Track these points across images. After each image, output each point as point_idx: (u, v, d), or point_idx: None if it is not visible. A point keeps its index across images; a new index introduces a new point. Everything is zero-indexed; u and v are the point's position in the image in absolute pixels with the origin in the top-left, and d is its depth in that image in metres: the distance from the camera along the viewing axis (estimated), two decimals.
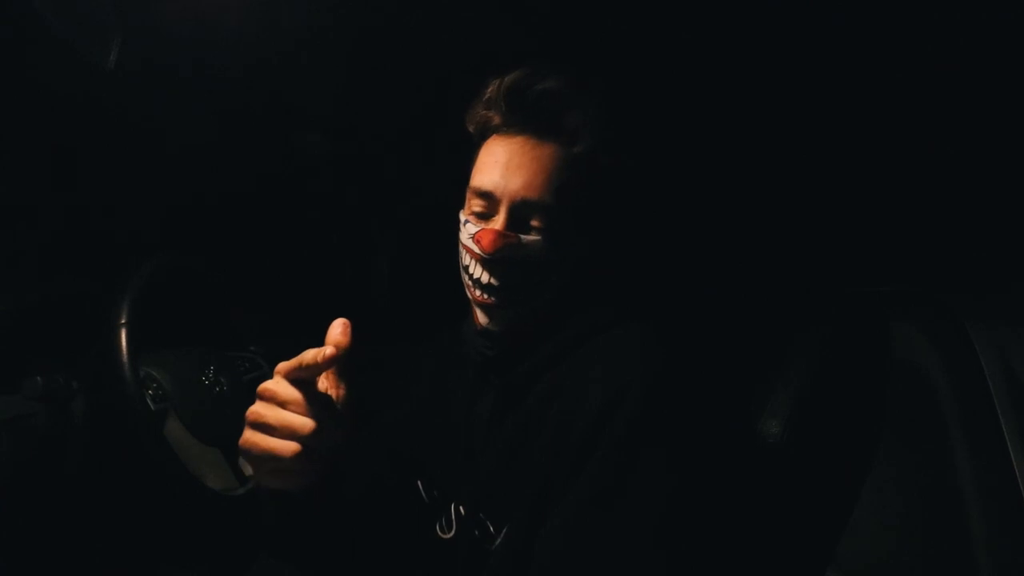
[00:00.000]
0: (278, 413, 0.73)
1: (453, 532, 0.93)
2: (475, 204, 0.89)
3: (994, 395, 1.07)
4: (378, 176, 1.58)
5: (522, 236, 0.86)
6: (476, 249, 0.87)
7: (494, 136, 0.89)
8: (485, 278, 0.87)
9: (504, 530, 0.86)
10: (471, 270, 0.89)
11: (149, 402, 1.03)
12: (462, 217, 0.90)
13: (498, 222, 0.86)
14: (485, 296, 0.89)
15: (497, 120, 0.88)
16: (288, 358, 0.75)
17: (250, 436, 0.75)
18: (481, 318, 0.91)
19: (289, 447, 0.72)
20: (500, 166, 0.86)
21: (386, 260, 1.64)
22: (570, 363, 0.87)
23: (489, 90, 0.89)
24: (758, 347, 1.18)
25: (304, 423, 0.72)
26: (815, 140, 1.38)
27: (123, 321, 0.97)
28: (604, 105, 0.88)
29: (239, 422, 1.16)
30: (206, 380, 1.12)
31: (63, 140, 1.15)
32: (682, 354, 0.86)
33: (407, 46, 1.26)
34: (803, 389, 1.09)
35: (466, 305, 0.95)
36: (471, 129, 0.92)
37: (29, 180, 1.13)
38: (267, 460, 0.73)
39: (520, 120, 0.87)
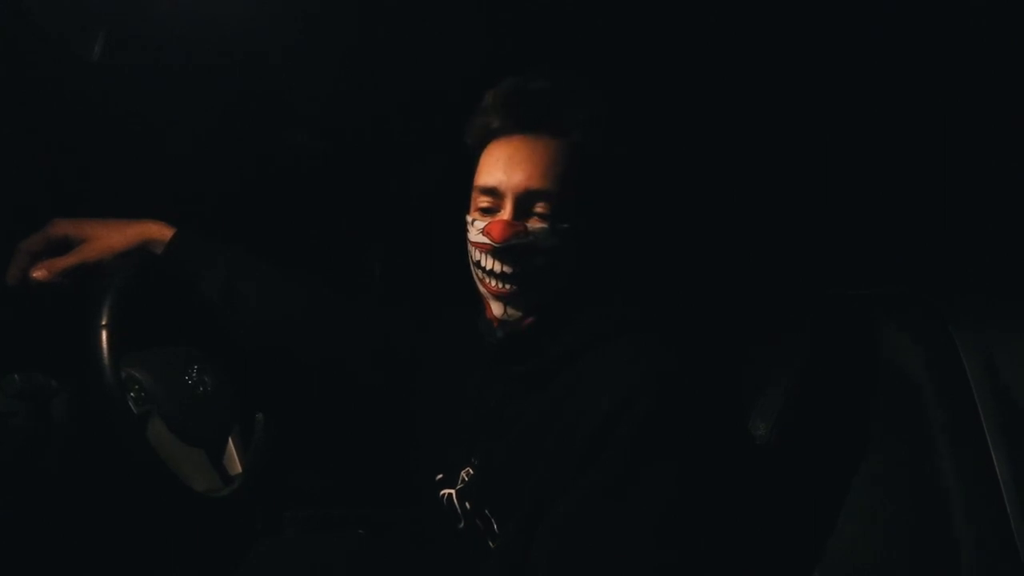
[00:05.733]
0: None
1: (462, 525, 0.98)
2: (481, 202, 0.95)
3: (976, 397, 1.08)
4: (372, 178, 1.58)
5: (528, 224, 0.92)
6: (487, 241, 0.92)
7: (494, 141, 0.96)
8: (498, 267, 0.93)
9: (507, 527, 0.91)
10: (483, 263, 0.95)
11: (132, 405, 1.01)
12: (469, 218, 0.95)
13: (505, 214, 0.93)
14: (500, 285, 0.94)
15: (496, 124, 0.95)
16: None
17: None
18: (496, 309, 0.96)
19: None
20: (502, 163, 0.93)
21: (379, 263, 1.64)
22: (581, 365, 0.91)
23: (486, 99, 0.96)
24: (749, 349, 1.18)
25: None
26: (803, 141, 1.38)
27: (104, 323, 0.95)
28: (595, 99, 0.95)
29: (223, 422, 1.16)
30: (189, 380, 1.10)
31: (56, 139, 1.13)
32: (688, 360, 0.91)
33: (402, 47, 1.26)
34: (790, 392, 1.09)
35: (472, 301, 1.01)
36: (470, 140, 0.97)
37: (23, 179, 1.11)
38: None
39: (516, 121, 0.94)
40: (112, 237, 1.04)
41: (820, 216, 1.44)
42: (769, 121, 1.38)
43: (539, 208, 0.92)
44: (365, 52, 1.32)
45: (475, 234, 0.95)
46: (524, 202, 0.92)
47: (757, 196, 1.44)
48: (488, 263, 0.94)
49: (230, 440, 1.17)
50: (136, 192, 1.22)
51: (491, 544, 0.93)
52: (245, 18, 1.17)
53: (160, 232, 1.08)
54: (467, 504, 0.97)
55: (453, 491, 1.00)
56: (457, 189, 1.03)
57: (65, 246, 1.03)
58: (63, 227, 1.04)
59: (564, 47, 1.27)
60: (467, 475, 0.99)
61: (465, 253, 0.99)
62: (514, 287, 0.94)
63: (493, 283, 0.94)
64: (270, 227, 1.44)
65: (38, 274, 1.00)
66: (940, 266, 1.33)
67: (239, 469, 1.16)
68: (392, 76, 1.37)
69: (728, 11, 1.19)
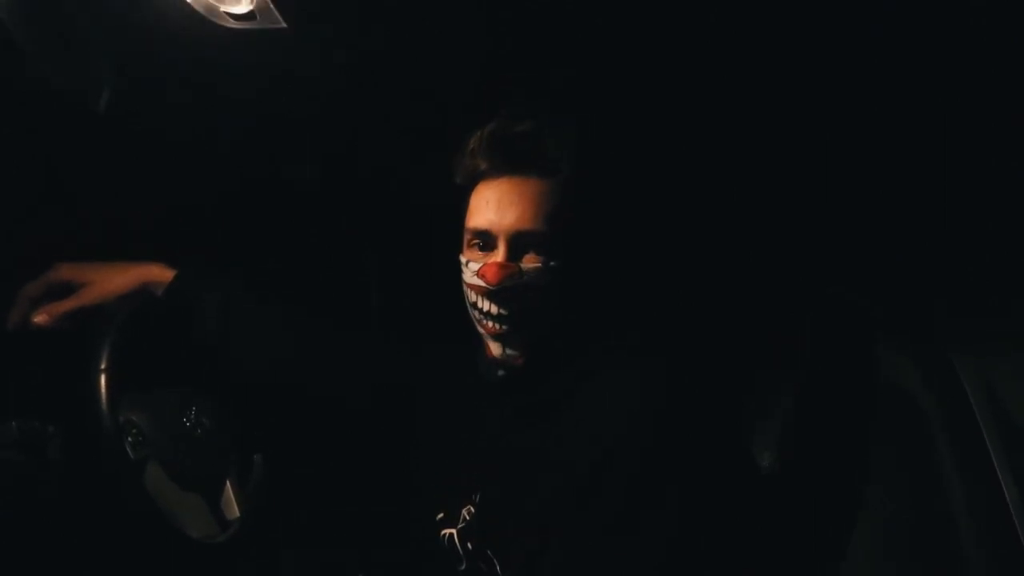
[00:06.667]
0: None
1: (464, 567, 0.97)
2: (473, 244, 0.96)
3: (979, 418, 1.09)
4: (370, 200, 1.57)
5: (522, 265, 0.92)
6: (481, 283, 0.93)
7: (482, 181, 0.97)
8: (494, 309, 0.93)
9: (510, 564, 0.90)
10: (479, 305, 0.95)
11: (129, 451, 0.99)
12: (462, 259, 0.95)
13: (498, 255, 0.93)
14: (497, 326, 0.94)
15: (483, 166, 0.96)
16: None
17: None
18: (495, 348, 0.97)
19: None
20: (493, 205, 0.94)
21: (376, 284, 1.63)
22: (582, 396, 0.92)
23: (472, 142, 0.96)
24: (749, 361, 1.18)
25: None
26: (804, 143, 1.37)
27: (103, 367, 0.93)
28: (577, 134, 0.96)
29: (221, 464, 1.13)
30: (187, 422, 1.08)
31: (56, 139, 1.13)
32: (690, 389, 0.91)
33: (401, 73, 1.24)
34: (790, 415, 1.09)
35: (471, 334, 1.01)
36: (458, 180, 0.98)
37: (23, 179, 1.10)
38: None
39: (503, 163, 0.94)
40: (113, 280, 1.04)
41: (820, 215, 1.44)
42: (769, 122, 1.37)
43: (531, 248, 0.93)
44: (365, 52, 1.31)
45: (470, 276, 0.95)
46: (516, 242, 0.93)
47: (756, 207, 1.44)
48: (484, 305, 0.94)
49: (227, 483, 1.14)
50: (136, 193, 1.22)
51: None
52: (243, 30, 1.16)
53: (160, 274, 1.07)
54: (469, 544, 0.96)
55: (454, 531, 0.98)
56: (457, 194, 1.03)
57: (66, 290, 1.03)
58: (64, 271, 1.03)
59: (563, 47, 1.26)
60: (468, 513, 0.98)
61: (461, 291, 0.99)
62: (510, 327, 0.94)
63: (490, 324, 0.95)
64: (269, 233, 1.44)
65: (39, 319, 0.99)
66: (937, 276, 1.33)
67: (236, 513, 1.13)
68: (392, 76, 1.36)
69: (728, 9, 1.19)
